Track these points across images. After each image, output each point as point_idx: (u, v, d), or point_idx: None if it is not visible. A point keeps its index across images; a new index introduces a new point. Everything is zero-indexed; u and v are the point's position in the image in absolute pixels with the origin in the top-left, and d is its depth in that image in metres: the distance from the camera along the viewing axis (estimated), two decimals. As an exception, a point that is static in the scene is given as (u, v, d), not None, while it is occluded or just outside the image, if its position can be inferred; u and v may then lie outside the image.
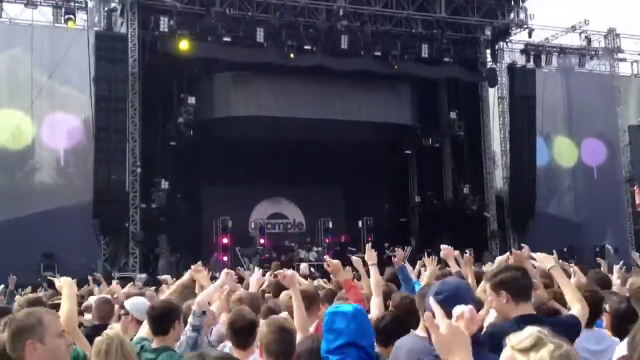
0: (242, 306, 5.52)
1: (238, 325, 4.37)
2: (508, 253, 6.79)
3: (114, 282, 12.47)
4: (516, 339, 2.02)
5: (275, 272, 5.98)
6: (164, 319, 4.56)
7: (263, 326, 3.84)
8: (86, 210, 21.59)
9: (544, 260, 4.58)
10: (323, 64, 24.08)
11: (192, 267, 6.58)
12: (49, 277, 4.30)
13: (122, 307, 5.73)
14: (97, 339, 3.63)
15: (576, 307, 4.16)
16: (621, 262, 8.19)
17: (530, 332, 2.02)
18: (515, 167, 27.35)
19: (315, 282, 10.26)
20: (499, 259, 6.47)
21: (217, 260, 22.90)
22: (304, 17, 23.68)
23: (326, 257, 5.83)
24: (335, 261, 5.69)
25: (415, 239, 28.16)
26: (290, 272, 5.24)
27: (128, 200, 22.00)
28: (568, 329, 3.71)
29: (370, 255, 5.76)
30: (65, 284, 4.09)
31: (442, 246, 7.59)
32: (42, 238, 20.71)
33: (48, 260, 20.88)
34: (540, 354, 1.95)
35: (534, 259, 5.02)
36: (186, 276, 6.49)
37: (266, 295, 7.49)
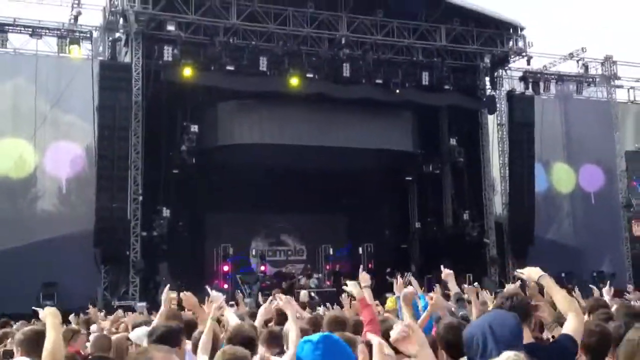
0: (243, 322, 5.60)
1: (237, 342, 4.38)
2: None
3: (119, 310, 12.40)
4: None
5: (273, 297, 6.01)
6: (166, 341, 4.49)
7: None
8: (87, 238, 21.48)
9: (531, 273, 4.46)
10: (325, 92, 24.25)
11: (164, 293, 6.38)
12: (33, 308, 4.22)
13: (127, 338, 5.74)
14: None
15: (570, 318, 4.01)
16: (608, 283, 8.39)
17: (507, 356, 2.08)
18: (514, 193, 27.50)
19: (317, 310, 10.29)
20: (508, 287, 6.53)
21: (217, 288, 22.81)
22: (306, 45, 23.86)
23: (346, 282, 5.82)
24: (352, 283, 5.65)
25: (415, 265, 28.16)
26: (284, 297, 5.54)
27: (129, 228, 21.91)
28: (564, 353, 3.75)
29: (364, 277, 5.72)
30: (49, 314, 3.95)
31: (443, 268, 7.73)
32: (42, 266, 20.57)
33: (48, 289, 20.72)
34: None
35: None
36: (162, 306, 6.29)
37: (269, 324, 7.54)
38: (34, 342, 4.06)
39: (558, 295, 4.19)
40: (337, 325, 5.18)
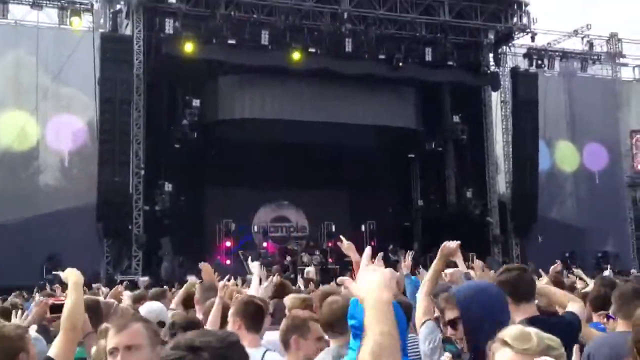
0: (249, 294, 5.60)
1: (251, 309, 4.38)
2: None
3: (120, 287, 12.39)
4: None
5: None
6: None
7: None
8: (90, 212, 21.54)
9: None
10: (327, 67, 24.13)
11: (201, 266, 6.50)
12: (54, 272, 4.04)
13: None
14: (100, 345, 3.52)
15: (573, 304, 4.16)
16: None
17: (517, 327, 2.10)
18: (517, 172, 27.36)
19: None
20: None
21: (219, 264, 22.87)
22: (308, 20, 23.75)
23: (340, 236, 5.65)
24: (348, 242, 5.49)
25: (418, 243, 28.13)
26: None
27: (132, 202, 21.97)
28: (568, 327, 3.77)
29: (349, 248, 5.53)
30: (71, 274, 3.78)
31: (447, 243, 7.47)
32: (45, 240, 20.64)
33: (51, 262, 20.80)
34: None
35: None
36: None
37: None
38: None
39: (555, 292, 4.40)
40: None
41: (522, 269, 4.07)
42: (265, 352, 4.28)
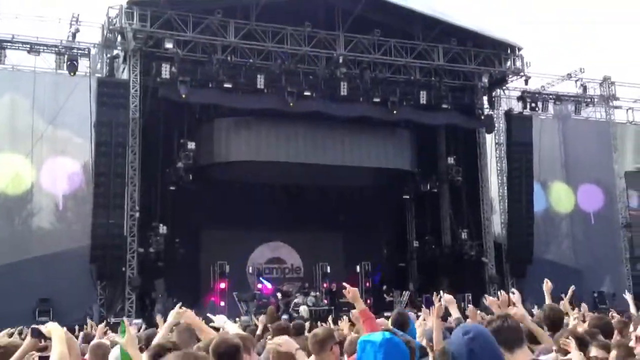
0: (226, 331, 5.51)
1: (221, 350, 4.24)
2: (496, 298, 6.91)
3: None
4: None
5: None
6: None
7: None
8: (83, 255, 21.49)
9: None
10: (322, 110, 24.33)
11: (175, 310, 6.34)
12: (32, 327, 3.98)
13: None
14: None
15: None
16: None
17: None
18: (512, 213, 27.43)
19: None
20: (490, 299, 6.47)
21: (213, 305, 22.78)
22: (303, 64, 24.01)
23: (345, 284, 5.58)
24: (354, 288, 5.37)
25: (413, 284, 28.07)
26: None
27: (126, 245, 21.92)
28: None
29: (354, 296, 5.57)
30: (54, 328, 3.90)
31: (443, 294, 7.67)
32: (38, 283, 20.58)
33: (43, 305, 20.72)
34: None
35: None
36: (170, 318, 6.18)
37: (262, 340, 7.51)
38: None
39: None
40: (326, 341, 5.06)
41: (503, 317, 4.05)
42: None
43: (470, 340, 2.88)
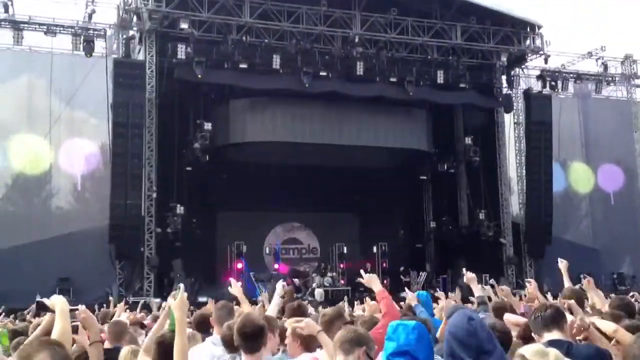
0: (251, 311, 5.58)
1: (247, 330, 4.34)
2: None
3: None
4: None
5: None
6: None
7: None
8: (102, 235, 21.75)
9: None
10: (338, 90, 24.21)
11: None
12: (37, 300, 4.02)
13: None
14: None
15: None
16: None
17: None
18: (531, 193, 27.22)
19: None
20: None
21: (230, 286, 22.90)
22: (319, 44, 23.88)
23: (362, 271, 5.75)
24: (372, 275, 5.63)
25: (430, 265, 28.03)
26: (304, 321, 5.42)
27: (144, 225, 22.13)
28: (597, 353, 3.87)
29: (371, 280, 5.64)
30: (57, 302, 3.87)
31: (465, 272, 7.74)
32: (58, 262, 20.85)
33: (64, 285, 20.98)
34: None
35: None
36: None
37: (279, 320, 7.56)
38: None
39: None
40: (327, 324, 5.08)
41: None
42: None
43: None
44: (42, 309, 4.01)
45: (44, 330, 5.25)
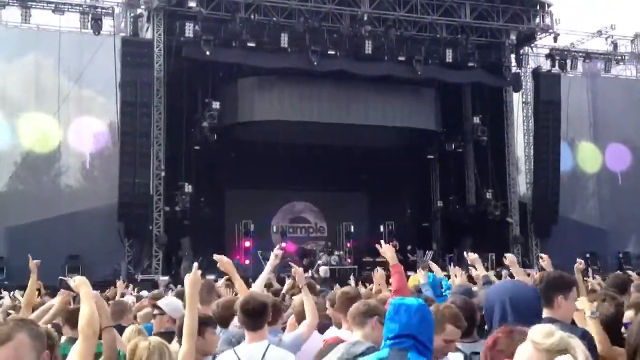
0: (253, 289, 5.66)
1: (250, 307, 4.39)
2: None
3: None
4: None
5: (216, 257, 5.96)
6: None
7: None
8: (111, 213, 21.86)
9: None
10: (346, 69, 24.11)
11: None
12: (60, 278, 4.01)
13: (155, 306, 5.73)
14: (140, 344, 3.63)
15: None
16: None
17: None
18: (538, 173, 27.18)
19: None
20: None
21: (238, 264, 23.07)
22: (327, 22, 23.72)
23: (382, 242, 5.84)
24: (390, 247, 5.69)
25: (437, 244, 28.12)
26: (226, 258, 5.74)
27: (152, 203, 22.25)
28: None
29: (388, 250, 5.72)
30: (82, 284, 3.80)
31: (467, 254, 7.87)
32: (67, 240, 20.96)
33: (73, 262, 21.15)
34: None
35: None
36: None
37: (287, 297, 7.66)
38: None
39: None
40: (348, 301, 5.13)
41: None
42: (268, 346, 4.32)
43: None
44: (66, 287, 3.98)
45: (56, 314, 5.32)
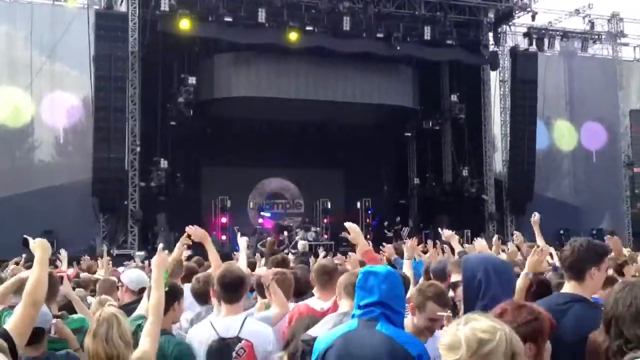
0: (232, 262, 5.70)
1: (227, 281, 4.43)
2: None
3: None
4: None
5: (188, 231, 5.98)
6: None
7: None
8: (85, 188, 21.67)
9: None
10: (324, 45, 23.98)
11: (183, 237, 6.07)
12: (24, 237, 3.92)
13: (119, 279, 5.99)
14: (95, 316, 3.60)
15: None
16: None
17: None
18: (514, 151, 27.36)
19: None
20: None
21: (215, 240, 23.06)
22: (306, -3, 23.53)
23: (348, 223, 5.21)
24: (354, 226, 5.22)
25: (413, 221, 28.33)
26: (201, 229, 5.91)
27: (127, 178, 22.11)
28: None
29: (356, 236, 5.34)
30: (39, 246, 3.64)
31: (442, 231, 7.96)
32: (41, 215, 20.72)
33: (47, 237, 20.68)
34: None
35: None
36: (176, 250, 5.95)
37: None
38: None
39: None
40: (326, 274, 5.13)
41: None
42: (245, 318, 4.39)
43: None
44: (25, 245, 3.89)
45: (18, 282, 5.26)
